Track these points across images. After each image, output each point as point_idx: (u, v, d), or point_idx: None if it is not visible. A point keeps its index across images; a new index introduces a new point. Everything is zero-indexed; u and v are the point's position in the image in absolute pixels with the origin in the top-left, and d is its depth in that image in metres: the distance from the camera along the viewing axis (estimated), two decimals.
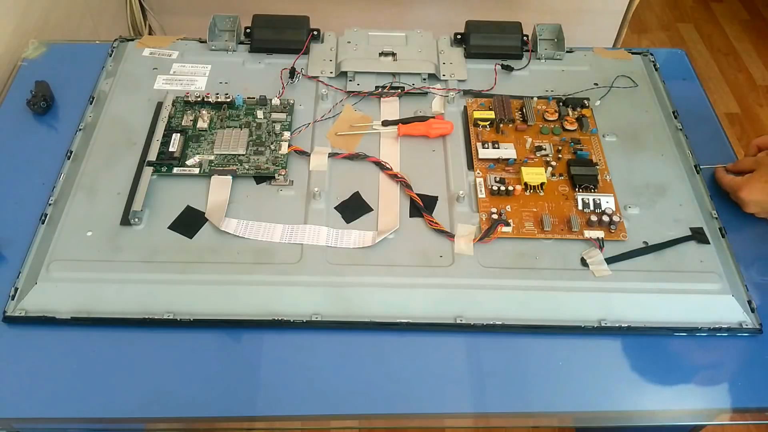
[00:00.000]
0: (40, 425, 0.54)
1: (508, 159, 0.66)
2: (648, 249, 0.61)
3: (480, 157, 0.67)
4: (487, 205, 0.63)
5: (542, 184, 0.64)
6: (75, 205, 0.62)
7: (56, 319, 0.55)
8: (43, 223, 0.61)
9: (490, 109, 0.71)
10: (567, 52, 0.79)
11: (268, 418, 0.53)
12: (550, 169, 0.66)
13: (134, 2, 1.20)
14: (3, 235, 0.61)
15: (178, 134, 0.67)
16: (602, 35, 1.25)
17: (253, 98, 0.71)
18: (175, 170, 0.65)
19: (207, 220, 0.61)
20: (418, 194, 0.64)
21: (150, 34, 1.26)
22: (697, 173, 0.68)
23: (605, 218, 0.61)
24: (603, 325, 0.56)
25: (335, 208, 0.63)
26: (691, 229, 0.62)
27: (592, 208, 0.63)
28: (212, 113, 0.70)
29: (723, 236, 0.62)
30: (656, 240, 0.61)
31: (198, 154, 0.66)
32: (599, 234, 0.61)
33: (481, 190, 0.64)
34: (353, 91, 0.74)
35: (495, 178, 0.65)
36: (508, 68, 0.77)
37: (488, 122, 0.70)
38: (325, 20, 0.83)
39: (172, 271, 0.57)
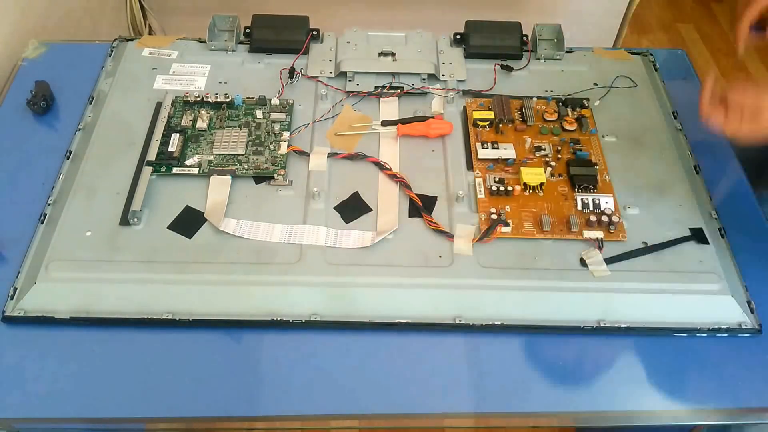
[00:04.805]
0: (40, 425, 0.54)
1: (507, 159, 0.66)
2: (647, 249, 0.61)
3: (479, 157, 0.67)
4: (486, 205, 0.63)
5: (541, 184, 0.64)
6: (74, 205, 0.62)
7: (55, 319, 0.55)
8: (42, 223, 0.61)
9: (490, 110, 0.71)
10: (566, 52, 0.79)
11: (268, 418, 0.53)
12: (549, 169, 0.66)
13: (134, 2, 1.20)
14: (2, 235, 0.61)
15: (178, 134, 0.67)
16: (602, 35, 1.25)
17: (253, 98, 0.71)
18: (175, 170, 0.65)
19: (206, 220, 0.61)
20: (417, 194, 0.64)
21: (150, 34, 1.26)
22: (697, 173, 0.68)
23: (604, 218, 0.61)
24: (602, 325, 0.56)
25: (334, 208, 0.63)
26: (690, 229, 0.62)
27: (591, 208, 0.63)
28: (211, 113, 0.70)
29: (723, 236, 0.62)
30: (655, 240, 0.61)
31: (197, 154, 0.66)
32: (598, 234, 0.61)
33: (480, 191, 0.64)
34: (353, 91, 0.74)
35: (494, 178, 0.65)
36: (508, 68, 0.77)
37: (488, 122, 0.70)
38: (325, 20, 0.83)
39: (171, 271, 0.57)
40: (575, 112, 0.72)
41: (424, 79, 0.75)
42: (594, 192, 0.64)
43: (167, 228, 0.61)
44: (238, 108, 0.71)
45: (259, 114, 0.70)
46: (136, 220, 0.60)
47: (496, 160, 0.67)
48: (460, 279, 0.58)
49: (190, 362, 0.54)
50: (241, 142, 0.67)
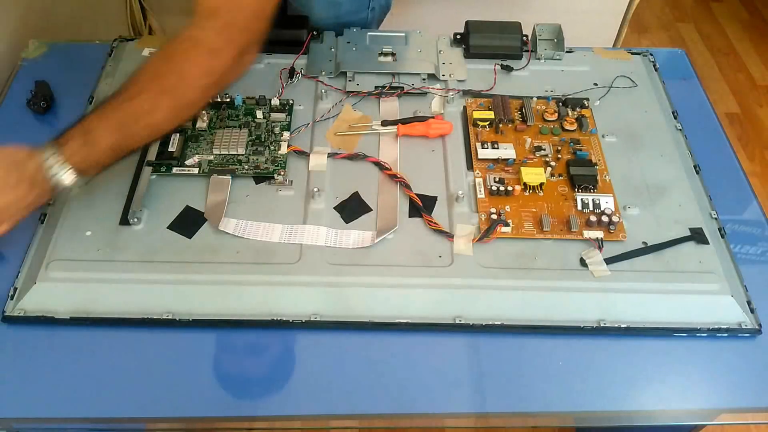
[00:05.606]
0: (40, 425, 0.54)
1: (507, 159, 0.66)
2: (647, 249, 0.61)
3: (479, 157, 0.67)
4: (486, 205, 0.63)
5: (541, 184, 0.64)
6: (74, 205, 0.62)
7: (55, 319, 0.55)
8: (42, 223, 0.61)
9: (490, 109, 0.71)
10: (567, 52, 0.79)
11: (268, 418, 0.53)
12: (549, 169, 0.66)
13: (134, 2, 1.20)
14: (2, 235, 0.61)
15: (178, 134, 0.67)
16: (602, 35, 1.25)
17: (253, 98, 0.71)
18: (175, 170, 0.65)
19: (206, 220, 0.61)
20: (417, 194, 0.64)
21: (150, 34, 1.26)
22: (697, 173, 0.68)
23: (604, 218, 0.61)
24: (602, 325, 0.56)
25: (334, 208, 0.63)
26: (690, 229, 0.62)
27: (591, 208, 0.63)
28: (211, 113, 0.70)
29: (722, 236, 0.62)
30: (655, 240, 0.61)
31: (197, 153, 0.66)
32: (598, 234, 0.61)
33: (480, 191, 0.64)
34: (353, 91, 0.74)
35: (494, 178, 0.65)
36: (508, 68, 0.77)
37: (488, 122, 0.70)
38: None
39: (171, 271, 0.57)
40: (575, 112, 0.72)
41: (424, 79, 0.75)
42: (594, 192, 0.64)
43: (167, 228, 0.61)
44: (238, 108, 0.71)
45: (259, 114, 0.70)
46: (136, 220, 0.60)
47: (496, 160, 0.67)
48: (460, 279, 0.58)
49: (190, 362, 0.54)
50: (241, 142, 0.67)
